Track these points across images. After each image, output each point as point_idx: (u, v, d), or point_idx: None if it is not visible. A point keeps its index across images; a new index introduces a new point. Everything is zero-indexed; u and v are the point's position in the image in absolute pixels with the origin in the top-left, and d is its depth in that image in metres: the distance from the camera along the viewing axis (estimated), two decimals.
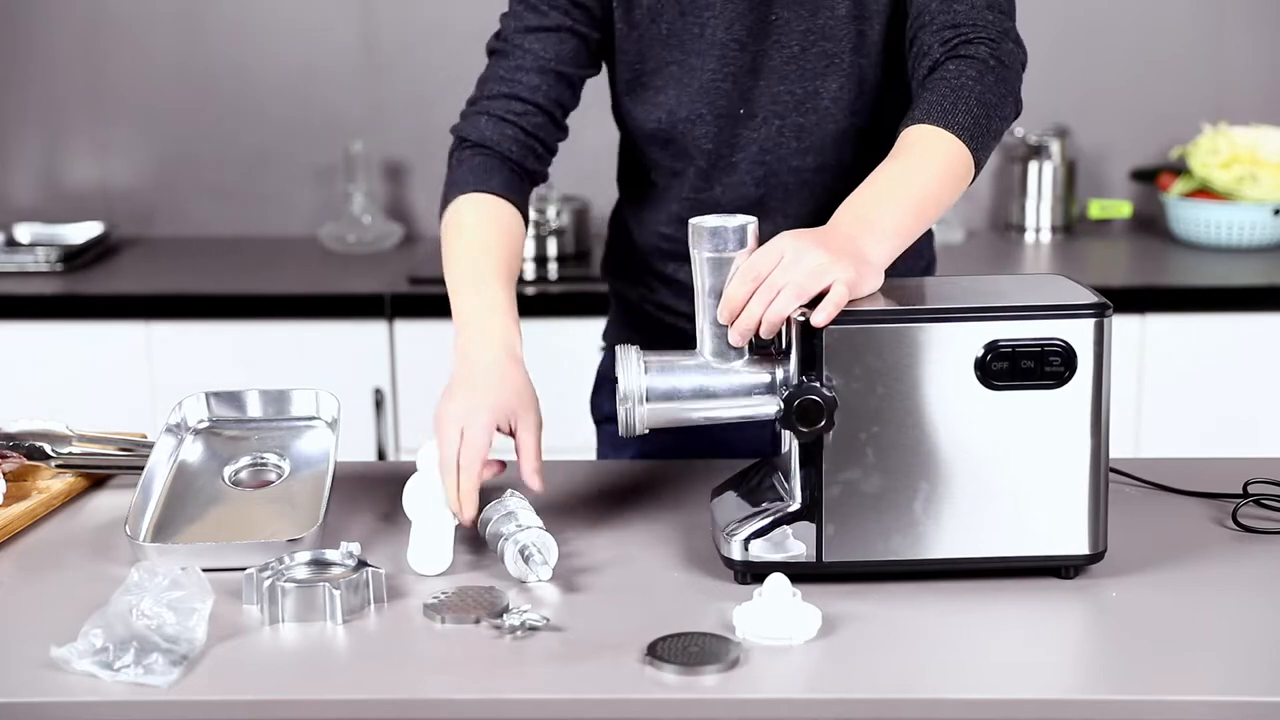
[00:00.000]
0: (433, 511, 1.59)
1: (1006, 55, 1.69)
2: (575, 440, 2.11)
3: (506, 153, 1.81)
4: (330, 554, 1.50)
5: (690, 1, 1.81)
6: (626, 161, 1.99)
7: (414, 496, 1.62)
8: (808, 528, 1.48)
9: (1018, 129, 3.44)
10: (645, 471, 1.83)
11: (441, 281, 3.03)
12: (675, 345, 1.59)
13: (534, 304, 3.00)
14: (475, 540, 1.62)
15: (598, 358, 2.11)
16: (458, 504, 1.58)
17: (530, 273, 3.17)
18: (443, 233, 1.81)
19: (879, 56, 1.80)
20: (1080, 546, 1.49)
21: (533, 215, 2.72)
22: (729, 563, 1.51)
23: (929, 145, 1.62)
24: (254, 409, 1.83)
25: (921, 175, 1.60)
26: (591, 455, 2.05)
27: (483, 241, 1.77)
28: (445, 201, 1.82)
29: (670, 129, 1.86)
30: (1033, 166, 3.42)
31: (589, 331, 2.36)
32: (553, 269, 3.18)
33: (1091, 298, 1.49)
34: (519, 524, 1.54)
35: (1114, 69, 3.49)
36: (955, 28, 1.69)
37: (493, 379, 1.64)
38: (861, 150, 1.83)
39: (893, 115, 1.76)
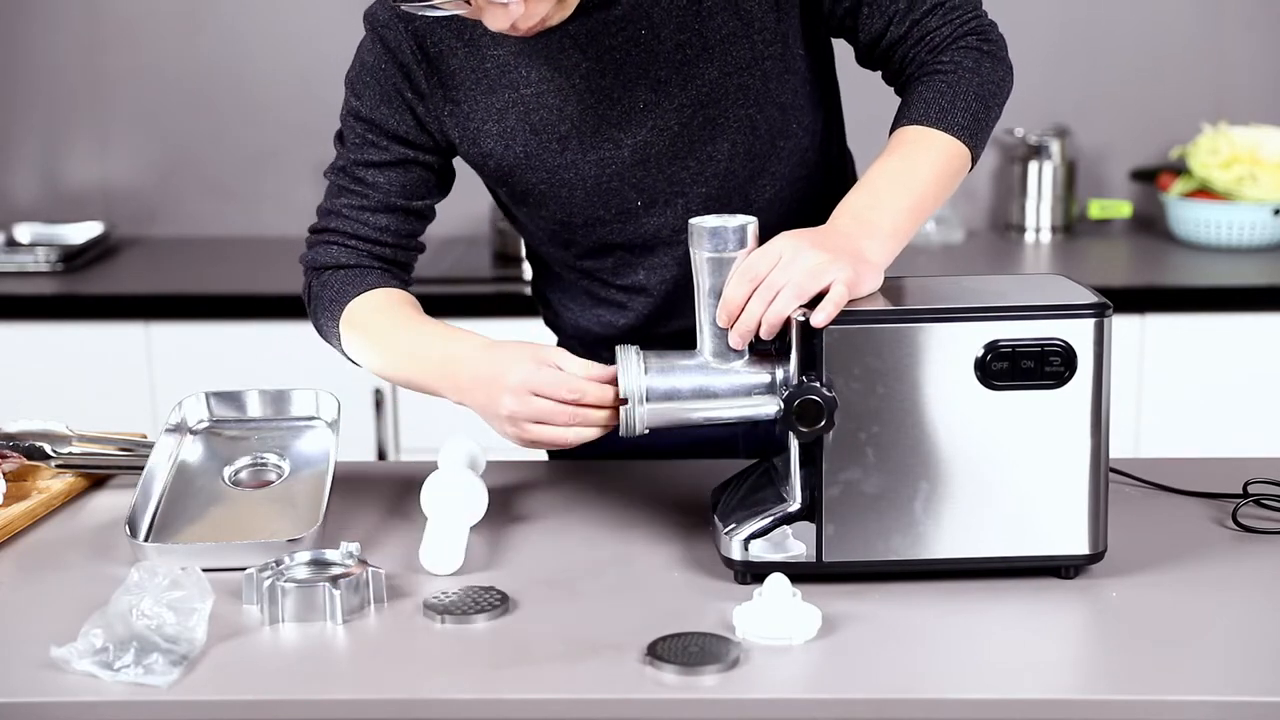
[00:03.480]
0: (449, 511, 1.59)
1: (988, 30, 1.69)
2: None
3: (368, 266, 1.75)
4: (330, 554, 1.50)
5: (540, 117, 1.69)
6: (533, 252, 1.91)
7: (432, 495, 1.62)
8: (808, 528, 1.48)
9: (1018, 129, 3.44)
10: (645, 471, 1.83)
11: (440, 281, 2.99)
12: None
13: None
14: (484, 541, 1.62)
15: None
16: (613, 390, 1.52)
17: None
18: (347, 347, 1.73)
19: (768, 94, 1.70)
20: (1080, 546, 1.49)
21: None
22: (729, 563, 1.51)
23: (926, 145, 1.61)
24: (254, 409, 1.83)
25: (919, 174, 1.59)
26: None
27: (393, 317, 1.71)
28: (325, 325, 1.75)
29: (571, 233, 1.78)
30: (1033, 166, 3.42)
31: None
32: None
33: (1091, 298, 1.49)
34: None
35: (1114, 69, 3.49)
36: (935, 31, 1.67)
37: (500, 346, 1.59)
38: (786, 172, 1.76)
39: (800, 120, 1.74)
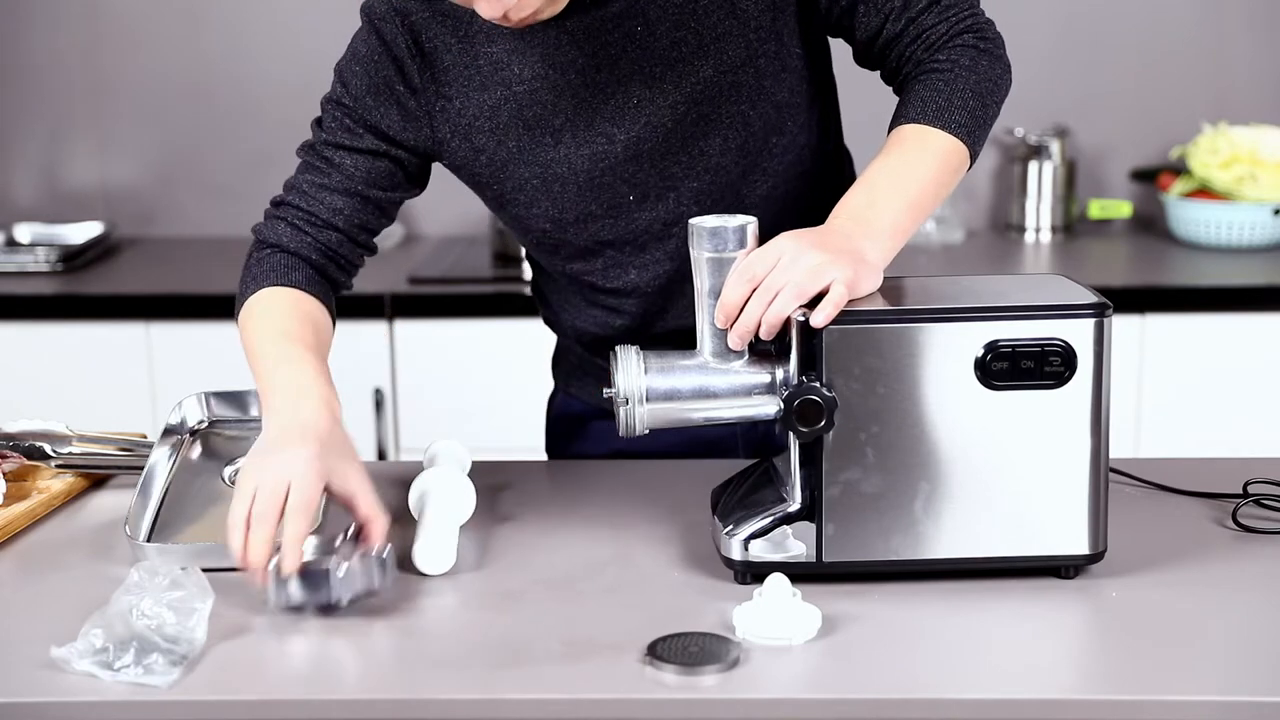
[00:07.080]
0: (438, 512, 1.59)
1: (985, 28, 1.69)
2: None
3: (306, 258, 1.71)
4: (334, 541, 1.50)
5: (534, 113, 1.69)
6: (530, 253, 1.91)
7: (420, 496, 1.62)
8: (808, 528, 1.48)
9: (1017, 129, 3.44)
10: (645, 471, 1.83)
11: (440, 281, 2.98)
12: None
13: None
14: (484, 541, 1.62)
15: None
16: (246, 558, 1.45)
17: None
18: (241, 326, 1.68)
19: (763, 91, 1.70)
20: (1080, 546, 1.49)
21: None
22: (729, 563, 1.51)
23: (924, 144, 1.61)
24: (254, 409, 1.83)
25: (917, 173, 1.59)
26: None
27: (283, 328, 1.64)
28: (243, 297, 1.70)
29: (562, 231, 1.76)
30: (1033, 166, 3.43)
31: None
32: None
33: (1091, 298, 1.49)
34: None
35: (1114, 69, 3.49)
36: (931, 28, 1.67)
37: (323, 434, 1.52)
38: (780, 169, 1.76)
39: (795, 118, 1.74)
